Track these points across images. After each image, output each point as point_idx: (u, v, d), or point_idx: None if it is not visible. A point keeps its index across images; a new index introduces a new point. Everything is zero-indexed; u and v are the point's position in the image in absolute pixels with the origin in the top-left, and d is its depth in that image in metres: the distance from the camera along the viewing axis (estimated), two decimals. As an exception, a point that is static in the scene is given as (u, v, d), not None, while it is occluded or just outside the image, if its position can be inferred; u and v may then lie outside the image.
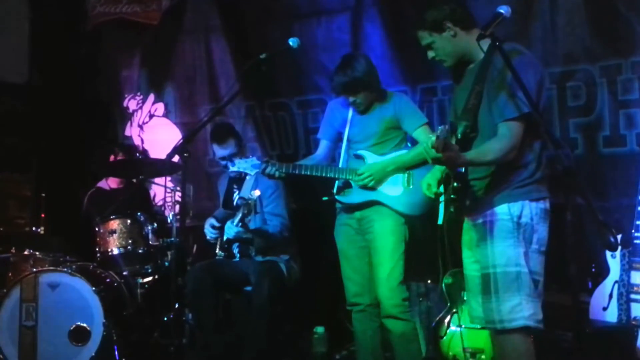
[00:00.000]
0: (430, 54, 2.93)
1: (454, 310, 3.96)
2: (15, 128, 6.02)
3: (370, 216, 3.71)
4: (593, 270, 3.93)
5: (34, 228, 4.97)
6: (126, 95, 6.40)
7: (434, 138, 2.47)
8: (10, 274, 4.51)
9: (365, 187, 3.68)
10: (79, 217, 5.07)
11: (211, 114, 4.10)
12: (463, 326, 3.78)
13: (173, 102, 6.16)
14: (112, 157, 5.12)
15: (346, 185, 3.78)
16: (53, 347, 4.14)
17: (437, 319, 4.06)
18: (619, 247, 3.76)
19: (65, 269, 4.25)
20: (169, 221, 4.77)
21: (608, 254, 3.83)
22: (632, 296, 3.73)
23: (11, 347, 4.15)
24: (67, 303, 4.17)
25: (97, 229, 4.61)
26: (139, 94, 6.34)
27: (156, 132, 6.20)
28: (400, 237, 3.68)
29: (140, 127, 6.31)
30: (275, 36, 5.35)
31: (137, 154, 5.55)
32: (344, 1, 5.31)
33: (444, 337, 3.95)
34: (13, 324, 4.16)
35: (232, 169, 3.86)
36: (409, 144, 3.80)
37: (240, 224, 4.07)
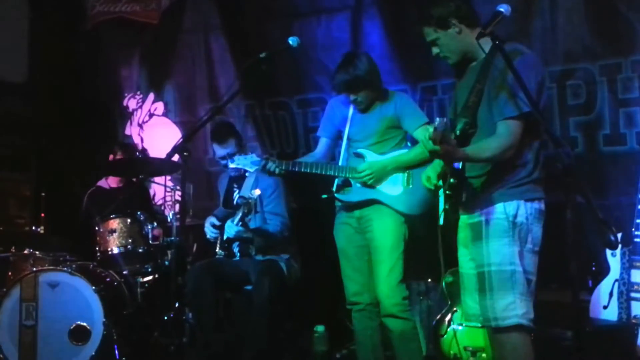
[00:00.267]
0: (435, 50, 2.93)
1: (455, 308, 3.97)
2: (15, 127, 6.01)
3: (369, 215, 3.70)
4: (593, 268, 3.93)
5: (33, 227, 4.94)
6: (126, 94, 6.40)
7: (432, 129, 2.48)
8: (10, 274, 4.51)
9: (364, 185, 3.67)
10: (78, 216, 5.07)
11: (211, 113, 4.09)
12: (463, 325, 3.78)
13: (173, 101, 6.16)
14: (111, 156, 5.11)
15: (346, 183, 3.77)
16: (53, 346, 4.14)
17: (438, 317, 4.07)
18: (619, 246, 3.76)
19: (65, 269, 4.25)
20: (169, 220, 4.77)
21: (608, 252, 3.83)
22: (633, 294, 3.73)
23: (11, 346, 4.15)
24: (67, 302, 4.17)
25: (97, 228, 4.61)
26: (138, 93, 6.34)
27: (156, 131, 6.20)
28: (400, 236, 3.67)
29: (140, 126, 6.31)
30: (275, 35, 5.35)
31: (137, 153, 5.54)
32: (344, 0, 5.31)
33: (445, 336, 3.96)
34: (13, 324, 4.16)
35: (231, 165, 3.86)
36: (409, 144, 3.80)
37: (240, 223, 4.06)
